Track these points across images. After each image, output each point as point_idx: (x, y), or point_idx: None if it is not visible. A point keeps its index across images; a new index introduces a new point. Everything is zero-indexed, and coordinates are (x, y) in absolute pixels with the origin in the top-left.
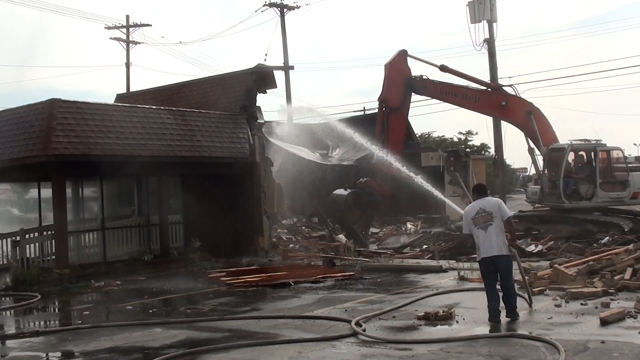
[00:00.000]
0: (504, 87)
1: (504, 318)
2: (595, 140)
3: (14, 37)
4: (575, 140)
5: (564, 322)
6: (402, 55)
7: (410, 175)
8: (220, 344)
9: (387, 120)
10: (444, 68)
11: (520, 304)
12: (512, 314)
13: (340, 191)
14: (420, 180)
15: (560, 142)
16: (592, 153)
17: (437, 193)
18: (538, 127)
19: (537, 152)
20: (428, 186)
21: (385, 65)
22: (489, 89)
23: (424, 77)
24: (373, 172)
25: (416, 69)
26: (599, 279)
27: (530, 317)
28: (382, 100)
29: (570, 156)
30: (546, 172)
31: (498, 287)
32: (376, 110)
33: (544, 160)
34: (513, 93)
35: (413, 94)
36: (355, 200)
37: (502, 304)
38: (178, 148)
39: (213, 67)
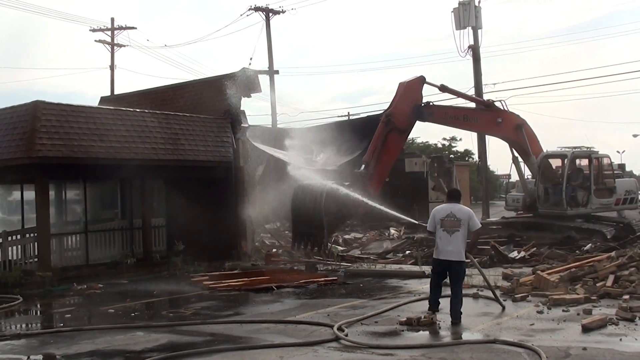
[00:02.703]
0: (494, 102)
1: (449, 323)
2: (587, 147)
3: None
4: (566, 147)
5: (546, 329)
6: (420, 81)
7: (380, 208)
8: (202, 348)
9: (386, 138)
10: (443, 88)
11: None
12: (457, 319)
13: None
14: (388, 210)
15: (554, 150)
16: (587, 160)
17: (406, 218)
18: (527, 140)
19: (519, 159)
20: (396, 214)
21: (400, 84)
22: (483, 107)
23: (431, 103)
24: (353, 182)
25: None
26: (581, 285)
27: (512, 323)
28: (388, 114)
29: (562, 163)
30: (540, 179)
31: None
32: (360, 115)
33: (538, 168)
34: (502, 107)
35: (419, 121)
36: (336, 194)
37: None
38: (162, 151)
39: (198, 70)
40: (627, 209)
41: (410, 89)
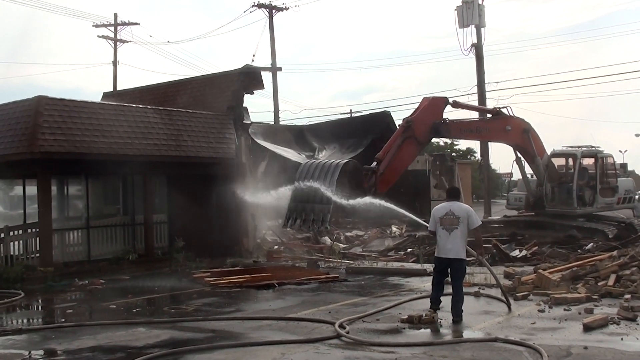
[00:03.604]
0: (501, 109)
1: (450, 321)
2: (592, 146)
3: (0, 33)
4: (570, 147)
5: (547, 328)
6: (443, 101)
7: (392, 207)
8: (204, 345)
9: (402, 143)
10: (455, 104)
11: (502, 308)
12: (459, 317)
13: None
14: (398, 209)
15: (561, 149)
16: (593, 160)
17: (410, 215)
18: (533, 143)
19: (522, 159)
20: (405, 212)
21: (425, 98)
22: (492, 115)
23: (447, 119)
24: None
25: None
26: (583, 284)
27: (514, 322)
28: (409, 120)
29: (565, 162)
30: (547, 178)
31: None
32: (364, 112)
33: (546, 167)
34: (508, 113)
35: (436, 138)
36: (353, 170)
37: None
38: (164, 147)
39: (201, 67)
40: (625, 208)
41: (434, 106)
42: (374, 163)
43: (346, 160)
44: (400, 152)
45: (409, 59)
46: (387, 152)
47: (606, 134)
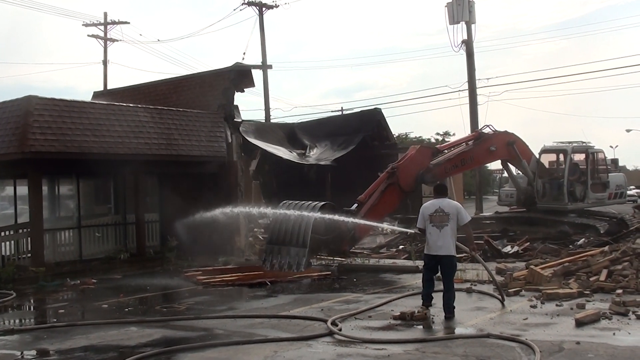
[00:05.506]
0: (482, 131)
1: (442, 317)
2: (582, 142)
3: None
4: (561, 142)
5: (540, 323)
6: (431, 152)
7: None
8: (196, 343)
9: (385, 189)
10: (437, 151)
11: (494, 304)
12: (451, 313)
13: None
14: (381, 224)
15: (551, 145)
16: (584, 155)
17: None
18: (519, 152)
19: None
20: (389, 226)
21: (412, 147)
22: (474, 140)
23: (430, 166)
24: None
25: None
26: (575, 280)
27: (506, 318)
28: (395, 167)
29: (556, 158)
30: (538, 174)
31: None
32: (355, 110)
33: (536, 163)
34: (491, 130)
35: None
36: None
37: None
38: (155, 146)
39: (191, 65)
40: (617, 203)
41: (421, 155)
42: (355, 205)
43: (322, 203)
44: (383, 198)
45: (400, 56)
46: (369, 196)
47: (597, 129)
